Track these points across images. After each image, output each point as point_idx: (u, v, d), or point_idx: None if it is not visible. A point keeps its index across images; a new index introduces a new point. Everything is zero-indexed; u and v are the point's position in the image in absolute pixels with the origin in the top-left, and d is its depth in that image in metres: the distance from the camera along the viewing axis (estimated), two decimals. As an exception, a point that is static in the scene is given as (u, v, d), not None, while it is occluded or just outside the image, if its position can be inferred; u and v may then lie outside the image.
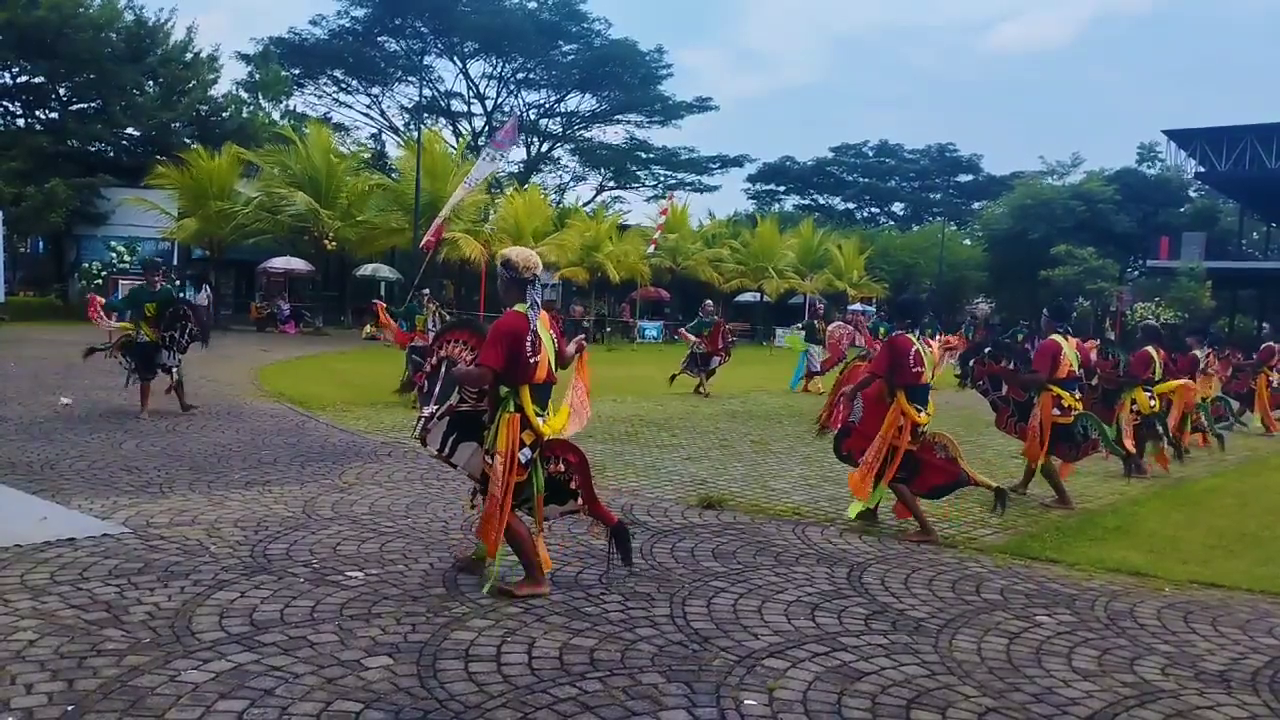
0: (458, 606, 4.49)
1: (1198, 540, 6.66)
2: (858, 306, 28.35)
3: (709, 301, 17.94)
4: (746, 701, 3.57)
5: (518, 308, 4.68)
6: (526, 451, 4.64)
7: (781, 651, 4.12)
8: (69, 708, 3.26)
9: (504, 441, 4.59)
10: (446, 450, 4.91)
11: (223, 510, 6.17)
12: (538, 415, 4.66)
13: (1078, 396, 7.93)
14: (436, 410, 4.90)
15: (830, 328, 18.14)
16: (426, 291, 13.85)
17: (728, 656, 4.03)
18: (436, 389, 4.94)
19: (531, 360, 4.60)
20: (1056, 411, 7.75)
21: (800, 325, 18.76)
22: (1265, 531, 7.07)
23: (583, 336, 5.35)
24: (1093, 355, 9.47)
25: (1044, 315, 8.42)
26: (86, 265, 31.04)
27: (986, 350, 8.48)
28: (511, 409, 4.63)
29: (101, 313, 10.59)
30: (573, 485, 4.80)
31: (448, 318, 13.42)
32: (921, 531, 6.34)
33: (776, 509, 7.05)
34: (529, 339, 4.60)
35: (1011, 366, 8.19)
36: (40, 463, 7.47)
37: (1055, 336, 7.95)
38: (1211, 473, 9.98)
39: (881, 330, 19.78)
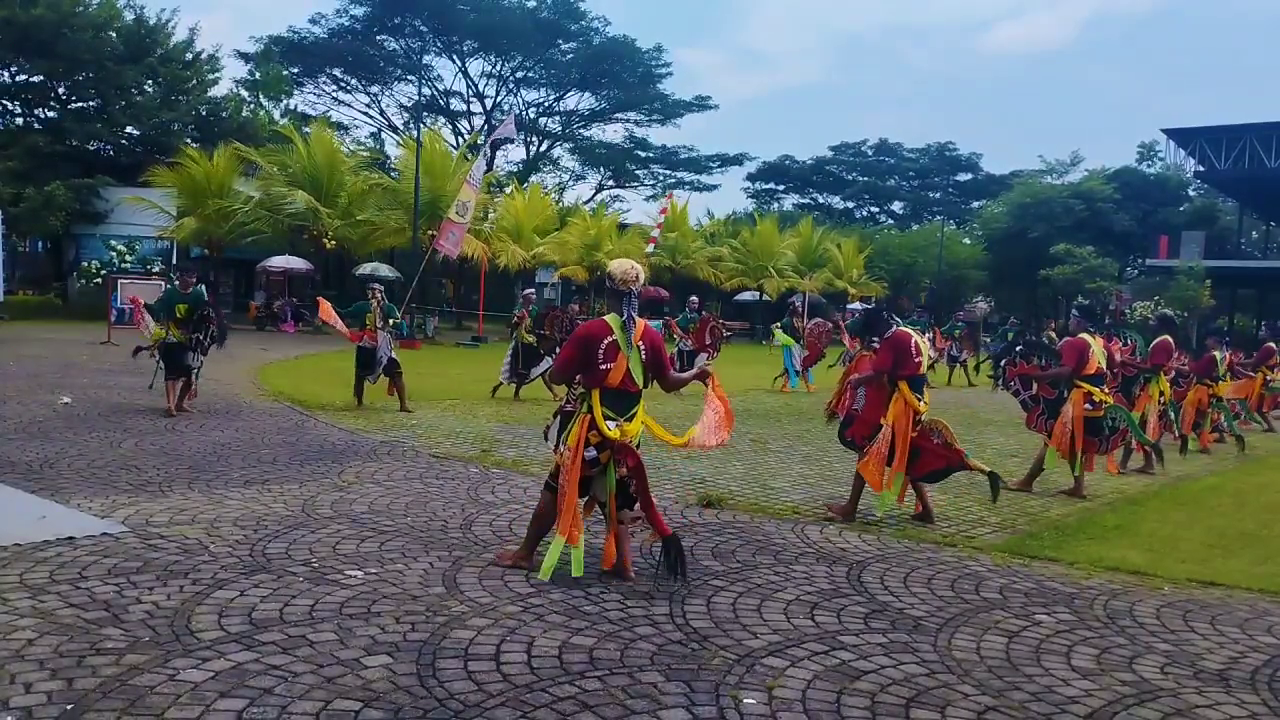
0: (457, 605, 4.49)
1: (1196, 539, 6.67)
2: (856, 306, 28.37)
3: (694, 298, 17.87)
4: (746, 700, 3.57)
5: (608, 317, 5.01)
6: (591, 451, 4.90)
7: (781, 650, 4.12)
8: (68, 706, 3.25)
9: (573, 437, 4.92)
10: (561, 447, 5.15)
11: (222, 509, 6.17)
12: (608, 419, 4.90)
13: (1106, 391, 8.23)
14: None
15: (809, 325, 18.14)
16: (376, 285, 12.19)
17: (727, 655, 4.03)
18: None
19: (602, 366, 4.90)
20: (1088, 407, 8.03)
21: (780, 324, 18.68)
22: (1263, 530, 7.07)
23: (707, 364, 5.59)
24: (1116, 352, 9.62)
25: (1074, 315, 8.75)
26: (85, 264, 30.99)
27: (1018, 350, 8.74)
28: (585, 409, 4.95)
29: (145, 316, 10.58)
30: (631, 490, 4.99)
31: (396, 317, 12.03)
32: (847, 505, 6.76)
33: (776, 508, 7.06)
34: (603, 345, 4.90)
35: (1043, 364, 8.45)
36: (39, 461, 7.47)
37: (1084, 335, 8.21)
38: (1210, 472, 9.99)
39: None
